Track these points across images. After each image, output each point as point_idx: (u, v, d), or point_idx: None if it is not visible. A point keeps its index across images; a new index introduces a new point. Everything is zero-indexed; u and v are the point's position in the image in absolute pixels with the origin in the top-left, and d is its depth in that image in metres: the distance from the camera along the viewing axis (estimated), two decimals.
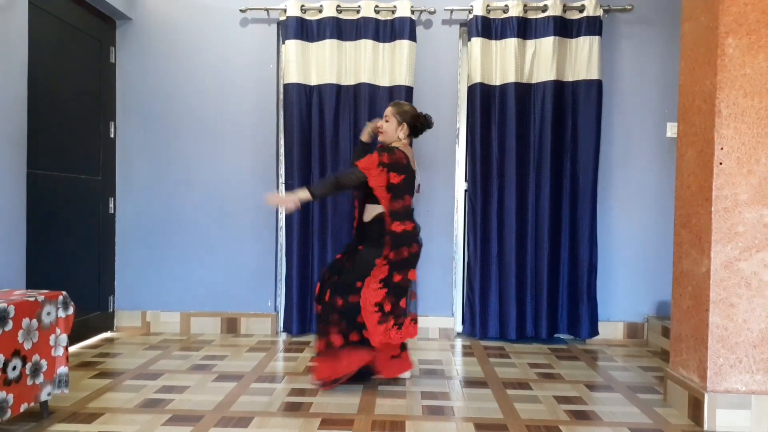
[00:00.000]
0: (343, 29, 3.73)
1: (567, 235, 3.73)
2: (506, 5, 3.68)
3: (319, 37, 3.72)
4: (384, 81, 3.71)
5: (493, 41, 3.71)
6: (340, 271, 2.81)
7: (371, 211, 2.81)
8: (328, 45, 3.69)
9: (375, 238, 2.76)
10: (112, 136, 3.85)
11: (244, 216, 3.85)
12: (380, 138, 2.90)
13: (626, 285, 3.82)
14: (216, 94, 3.86)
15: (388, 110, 2.88)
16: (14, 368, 2.08)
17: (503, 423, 2.33)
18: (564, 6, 3.68)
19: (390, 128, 2.86)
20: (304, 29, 3.72)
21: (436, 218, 3.85)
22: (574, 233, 3.71)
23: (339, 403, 2.54)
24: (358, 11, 3.72)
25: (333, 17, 3.69)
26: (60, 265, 3.31)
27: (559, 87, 3.68)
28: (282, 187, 3.87)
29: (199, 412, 2.41)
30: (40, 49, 3.08)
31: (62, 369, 2.31)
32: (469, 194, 3.78)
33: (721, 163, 2.30)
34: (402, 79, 3.68)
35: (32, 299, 2.18)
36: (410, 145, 2.94)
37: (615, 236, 3.82)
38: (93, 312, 3.66)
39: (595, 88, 3.64)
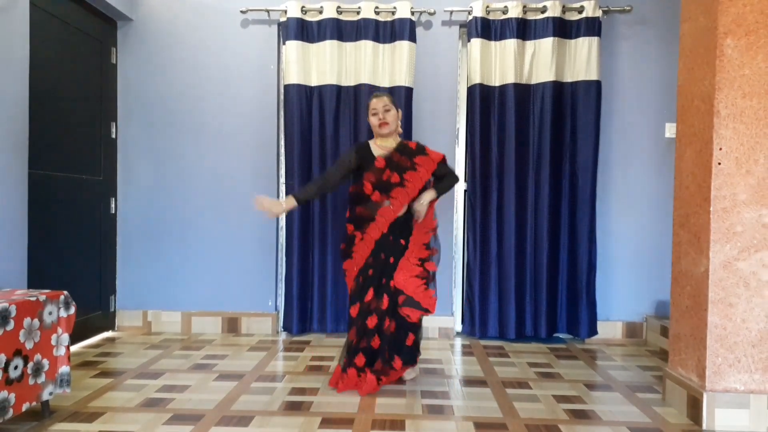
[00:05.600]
0: (343, 30, 3.75)
1: (566, 234, 3.74)
2: (505, 6, 3.70)
3: (320, 38, 3.73)
4: (384, 82, 3.72)
5: (493, 42, 3.72)
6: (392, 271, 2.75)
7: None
8: (329, 46, 3.71)
9: (409, 228, 2.84)
10: (114, 136, 3.86)
11: (245, 216, 3.85)
12: (385, 131, 2.80)
13: (625, 285, 3.82)
14: (217, 95, 3.87)
15: (386, 99, 2.81)
16: (16, 368, 2.09)
17: (503, 422, 2.34)
18: (563, 7, 3.69)
19: (395, 117, 2.82)
20: (304, 30, 3.74)
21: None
22: (574, 233, 3.72)
23: (339, 402, 2.55)
24: (358, 12, 3.73)
25: (333, 18, 3.71)
26: (61, 265, 3.32)
27: (558, 88, 3.69)
28: (282, 187, 3.88)
29: (199, 412, 2.42)
30: (42, 49, 3.09)
31: (64, 368, 2.32)
32: (469, 194, 3.80)
33: (719, 164, 2.31)
34: (402, 79, 3.69)
35: (34, 299, 2.19)
36: None
37: (614, 236, 3.83)
38: (94, 312, 3.68)
39: (594, 88, 3.65)
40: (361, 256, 2.77)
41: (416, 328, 2.80)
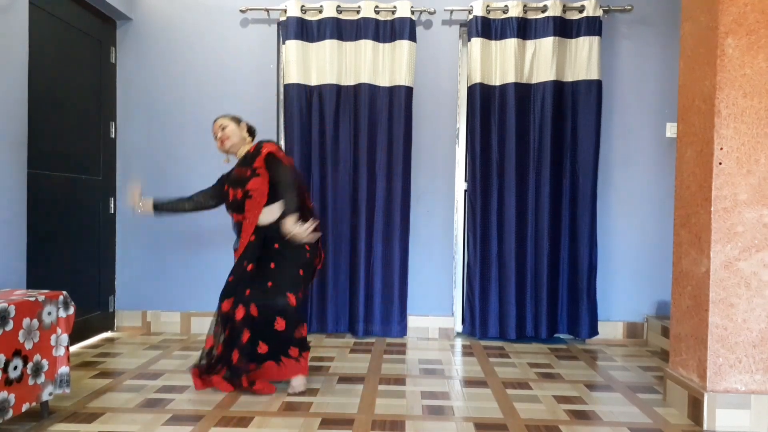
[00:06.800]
0: (343, 29, 3.74)
1: (567, 234, 3.74)
2: (506, 5, 3.69)
3: (320, 37, 3.73)
4: (384, 81, 3.72)
5: (493, 41, 3.72)
6: (261, 279, 2.64)
7: (275, 211, 2.65)
8: (329, 45, 3.70)
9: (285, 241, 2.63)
10: (113, 136, 3.86)
11: None
12: (227, 146, 2.73)
13: (626, 285, 3.82)
14: (216, 94, 3.86)
15: (218, 121, 2.77)
16: (15, 368, 2.08)
17: (503, 423, 2.34)
18: (564, 6, 3.68)
19: (232, 131, 2.73)
20: (304, 29, 3.73)
21: (436, 218, 3.86)
22: (574, 233, 3.71)
23: (339, 402, 2.55)
24: (358, 11, 3.73)
25: (333, 17, 3.70)
26: (60, 265, 3.31)
27: (558, 87, 3.68)
28: None
29: (199, 412, 2.41)
30: (41, 49, 3.08)
31: (63, 369, 2.32)
32: (469, 194, 3.79)
33: (720, 163, 2.30)
34: (402, 79, 3.68)
35: (33, 299, 2.18)
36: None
37: (615, 236, 3.82)
38: (93, 312, 3.67)
39: (594, 88, 3.65)
40: (237, 255, 2.73)
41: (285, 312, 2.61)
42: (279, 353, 2.62)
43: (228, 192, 2.78)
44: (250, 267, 2.67)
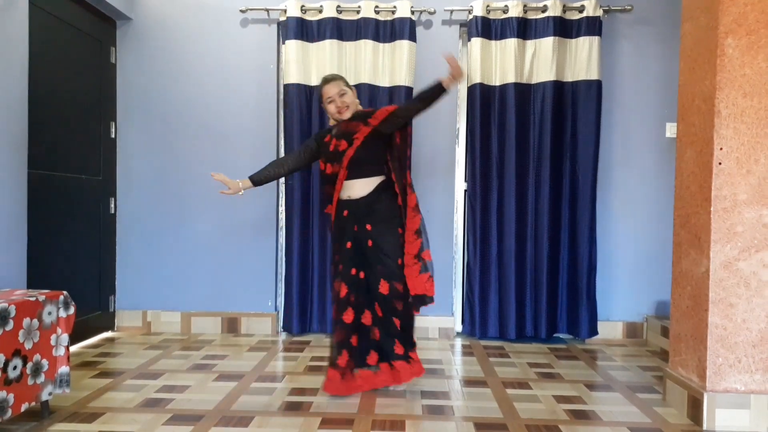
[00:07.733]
0: (343, 29, 3.74)
1: (566, 234, 3.74)
2: (506, 6, 3.69)
3: (320, 37, 3.73)
4: (384, 81, 3.72)
5: (493, 41, 3.72)
6: (370, 262, 2.63)
7: (370, 184, 2.67)
8: (329, 45, 3.70)
9: (387, 216, 2.65)
10: (113, 136, 3.86)
11: (245, 215, 3.85)
12: (346, 115, 2.66)
13: (626, 285, 3.82)
14: (216, 94, 3.86)
15: (339, 83, 2.66)
16: (15, 368, 2.09)
17: (503, 422, 2.34)
18: (564, 6, 3.68)
19: (352, 100, 2.68)
20: (304, 29, 3.73)
21: (436, 218, 3.85)
22: (574, 233, 3.71)
23: (339, 402, 2.55)
24: (358, 11, 3.73)
25: (333, 17, 3.70)
26: (61, 265, 3.31)
27: (558, 87, 3.68)
28: (282, 187, 3.88)
29: (199, 412, 2.41)
30: (41, 49, 3.08)
31: (63, 369, 2.32)
32: (469, 194, 3.79)
33: (720, 163, 2.30)
34: (402, 79, 3.68)
35: (33, 299, 2.18)
36: None
37: (614, 236, 3.82)
38: (94, 312, 3.67)
39: (594, 88, 3.65)
40: (332, 237, 2.79)
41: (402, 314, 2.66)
42: (408, 341, 2.67)
43: (330, 143, 2.71)
44: (353, 271, 2.65)
